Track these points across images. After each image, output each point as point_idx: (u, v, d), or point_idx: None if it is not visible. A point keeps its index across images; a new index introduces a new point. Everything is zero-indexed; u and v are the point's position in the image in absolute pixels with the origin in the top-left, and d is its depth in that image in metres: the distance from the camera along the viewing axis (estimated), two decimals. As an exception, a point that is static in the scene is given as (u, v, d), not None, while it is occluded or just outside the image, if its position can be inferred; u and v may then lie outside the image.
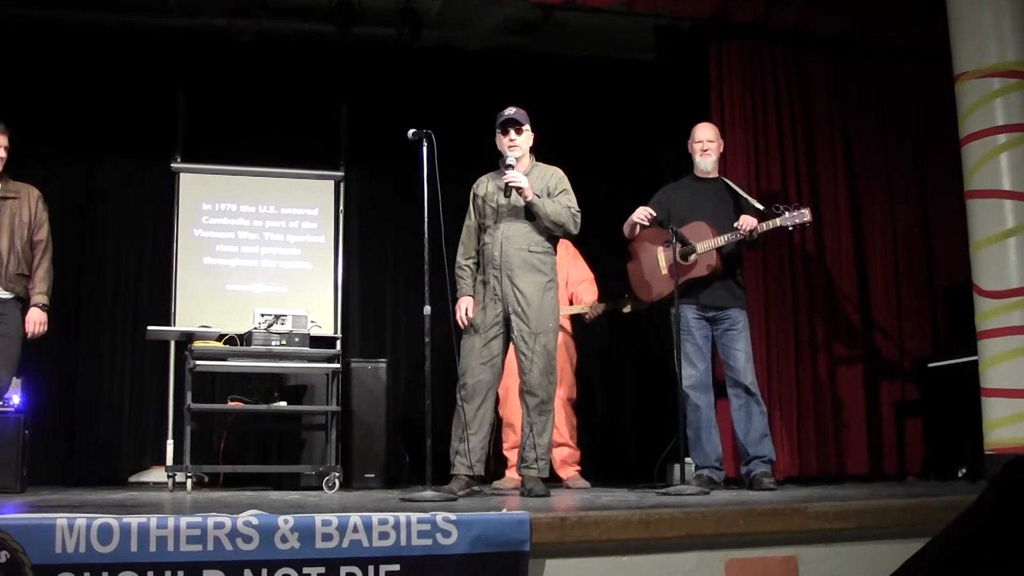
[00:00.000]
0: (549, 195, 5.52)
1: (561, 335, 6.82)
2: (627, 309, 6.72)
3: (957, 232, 6.40)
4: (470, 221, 5.64)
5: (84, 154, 8.03)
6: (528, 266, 5.48)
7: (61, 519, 3.17)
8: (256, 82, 8.04)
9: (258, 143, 8.05)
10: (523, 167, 5.54)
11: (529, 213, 5.51)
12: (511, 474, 6.50)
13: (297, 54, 8.11)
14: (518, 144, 5.55)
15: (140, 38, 7.92)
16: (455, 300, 5.57)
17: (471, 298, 5.54)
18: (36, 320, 5.73)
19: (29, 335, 5.74)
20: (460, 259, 5.61)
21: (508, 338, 5.51)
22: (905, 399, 7.11)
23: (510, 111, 5.57)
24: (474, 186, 5.64)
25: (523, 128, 5.57)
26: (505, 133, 5.55)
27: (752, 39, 7.24)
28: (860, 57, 7.43)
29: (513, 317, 5.44)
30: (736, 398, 5.95)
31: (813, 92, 7.36)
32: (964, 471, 6.43)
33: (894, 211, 7.38)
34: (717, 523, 3.86)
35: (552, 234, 5.57)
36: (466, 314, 5.51)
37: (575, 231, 5.63)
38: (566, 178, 5.63)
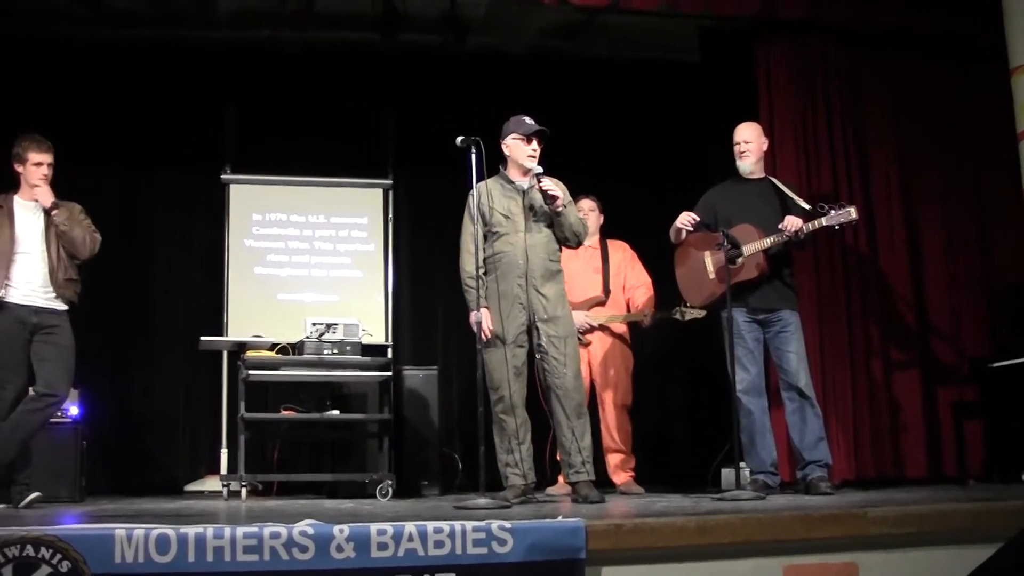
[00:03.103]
0: None
1: (618, 341, 6.82)
2: (683, 317, 6.65)
3: (1015, 228, 6.29)
4: (473, 228, 5.41)
5: (135, 167, 8.11)
6: (550, 274, 5.51)
7: (120, 530, 3.21)
8: (303, 92, 8.09)
9: (306, 153, 8.10)
10: (530, 178, 5.53)
11: (549, 222, 5.51)
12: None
13: (343, 63, 8.15)
14: (537, 154, 5.53)
15: (189, 51, 8.00)
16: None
17: (487, 309, 5.42)
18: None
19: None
20: (471, 269, 5.41)
21: (530, 347, 5.50)
22: (964, 400, 6.98)
23: (530, 120, 5.55)
24: (474, 193, 5.36)
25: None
26: (529, 142, 5.52)
27: (800, 36, 7.16)
28: (911, 52, 7.32)
29: (540, 324, 5.42)
30: (790, 401, 5.88)
31: (863, 89, 7.26)
32: (1028, 473, 6.32)
33: (949, 209, 7.26)
34: (775, 529, 3.82)
35: (565, 244, 5.61)
36: (488, 326, 5.39)
37: (583, 243, 5.76)
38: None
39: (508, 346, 5.39)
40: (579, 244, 5.72)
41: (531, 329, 5.46)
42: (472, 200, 5.41)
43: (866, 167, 7.16)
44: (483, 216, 5.46)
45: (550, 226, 5.54)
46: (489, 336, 5.36)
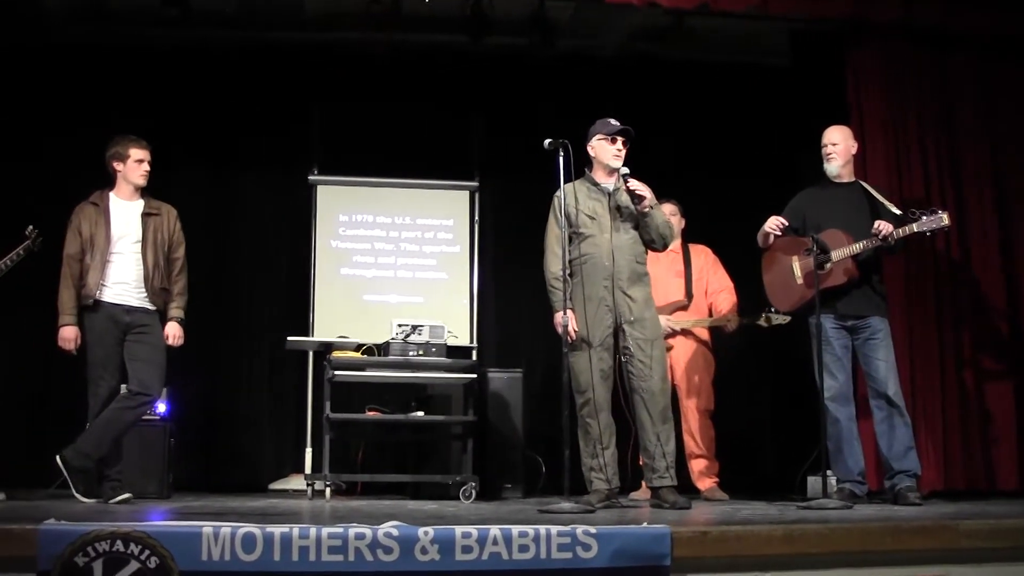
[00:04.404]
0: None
1: (700, 346, 6.77)
2: (767, 323, 6.58)
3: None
4: (559, 231, 5.42)
5: (224, 168, 8.22)
6: (636, 276, 5.47)
7: (207, 527, 3.26)
8: (390, 94, 8.15)
9: (393, 154, 8.15)
10: (616, 179, 5.50)
11: (635, 224, 5.47)
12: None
13: (430, 65, 8.19)
14: (623, 155, 5.50)
15: (276, 53, 8.10)
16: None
17: (572, 312, 5.37)
18: (175, 334, 5.90)
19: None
20: (556, 270, 5.38)
21: (615, 350, 5.46)
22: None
23: (615, 120, 5.52)
24: (559, 194, 5.39)
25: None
26: (614, 142, 5.50)
27: (891, 39, 7.03)
28: (1007, 54, 7.12)
29: (626, 327, 5.40)
30: (879, 410, 5.78)
31: (956, 92, 7.08)
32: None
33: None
34: (863, 539, 3.77)
35: (651, 247, 5.57)
36: (574, 327, 5.35)
37: (668, 246, 5.71)
38: None
39: (594, 349, 5.36)
40: (665, 247, 5.68)
41: (617, 332, 5.43)
42: (558, 201, 5.41)
43: (958, 173, 6.99)
44: (568, 218, 5.45)
45: (636, 228, 5.52)
46: (574, 337, 5.33)
